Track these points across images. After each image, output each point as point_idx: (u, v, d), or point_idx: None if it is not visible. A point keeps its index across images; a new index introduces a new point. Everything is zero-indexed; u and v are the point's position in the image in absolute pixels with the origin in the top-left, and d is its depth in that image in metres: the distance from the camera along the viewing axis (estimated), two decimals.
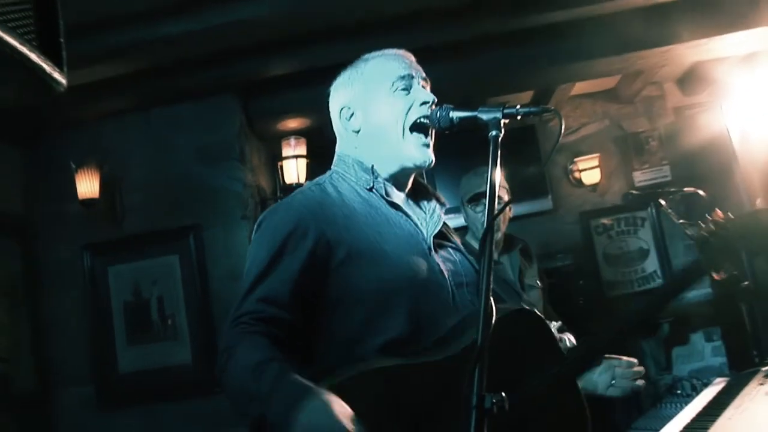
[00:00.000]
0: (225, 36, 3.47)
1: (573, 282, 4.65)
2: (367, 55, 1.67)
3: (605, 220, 5.01)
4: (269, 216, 1.55)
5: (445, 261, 1.56)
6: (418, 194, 1.68)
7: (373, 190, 1.57)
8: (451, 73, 3.90)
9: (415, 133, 1.56)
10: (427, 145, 1.57)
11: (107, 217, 4.15)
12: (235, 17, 3.36)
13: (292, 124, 4.50)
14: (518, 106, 1.37)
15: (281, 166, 4.53)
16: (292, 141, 4.45)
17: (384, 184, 1.58)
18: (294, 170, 4.42)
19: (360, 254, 1.46)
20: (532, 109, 1.39)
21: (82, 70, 3.54)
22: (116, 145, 4.23)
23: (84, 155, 4.03)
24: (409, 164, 1.58)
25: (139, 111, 4.21)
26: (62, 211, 4.16)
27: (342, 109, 1.63)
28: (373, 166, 1.58)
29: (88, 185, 3.96)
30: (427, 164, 1.59)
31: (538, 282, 3.06)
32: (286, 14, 3.38)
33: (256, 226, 1.55)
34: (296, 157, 4.43)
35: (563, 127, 1.36)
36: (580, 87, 4.90)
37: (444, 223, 1.65)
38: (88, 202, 4.00)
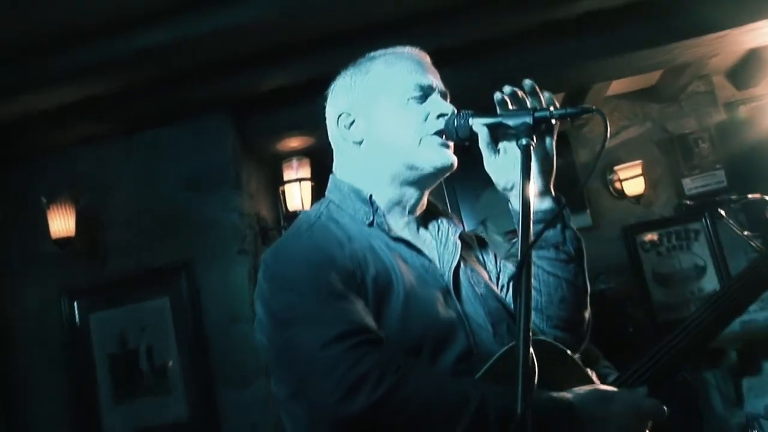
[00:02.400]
0: (211, 46, 3.34)
1: (619, 307, 4.58)
2: (374, 53, 1.53)
3: (653, 235, 4.96)
4: (284, 253, 1.38)
5: (467, 300, 1.42)
6: (427, 216, 1.56)
7: (374, 225, 1.44)
8: (466, 77, 3.77)
9: (431, 136, 1.44)
10: (447, 146, 1.45)
11: (86, 257, 4.03)
12: (222, 24, 3.21)
13: (294, 143, 4.40)
14: (551, 108, 1.29)
15: (283, 192, 4.45)
16: (294, 162, 4.38)
17: (385, 217, 1.45)
18: (297, 195, 4.34)
19: (375, 302, 1.32)
20: (569, 110, 1.28)
21: (51, 91, 3.46)
22: (93, 175, 4.11)
23: (57, 188, 3.92)
24: (428, 168, 1.44)
25: (117, 135, 4.10)
26: (33, 252, 4.03)
27: (340, 115, 1.50)
28: (371, 197, 1.45)
29: (62, 222, 3.85)
30: (449, 166, 1.45)
31: None
32: (281, 18, 3.24)
33: (266, 273, 1.36)
34: (299, 180, 4.35)
35: (609, 128, 1.25)
36: (616, 86, 4.81)
37: (464, 244, 1.53)
38: (63, 242, 3.87)
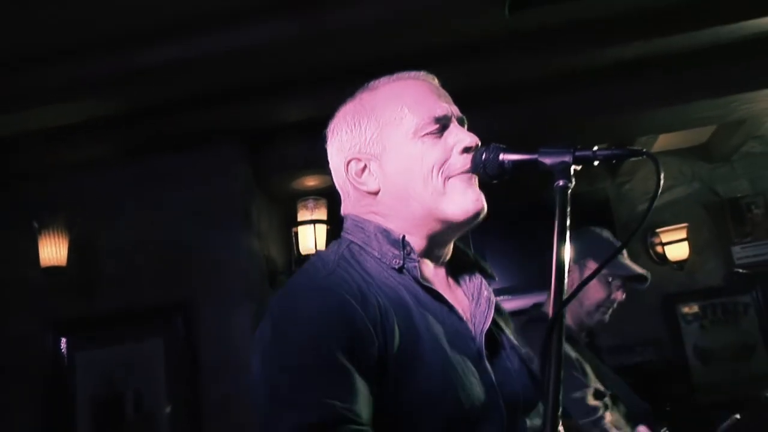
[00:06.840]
0: (226, 68, 3.26)
1: (656, 383, 4.49)
2: (375, 82, 1.39)
3: (696, 306, 4.80)
4: (292, 308, 1.23)
5: (498, 370, 1.29)
6: (455, 265, 1.41)
7: (404, 271, 1.29)
8: (496, 123, 3.61)
9: (457, 178, 1.31)
10: (476, 187, 1.32)
11: (77, 289, 3.90)
12: (239, 44, 3.09)
13: (311, 182, 4.29)
14: (596, 148, 1.17)
15: (296, 233, 4.30)
16: (310, 203, 4.25)
17: (418, 262, 1.30)
18: (311, 238, 4.20)
19: (398, 365, 1.20)
20: (615, 152, 1.17)
21: (50, 109, 3.37)
22: (90, 202, 3.99)
23: (50, 213, 3.81)
24: (459, 216, 1.30)
25: (119, 161, 4.00)
26: (20, 280, 3.90)
27: (349, 162, 1.36)
28: (404, 238, 1.30)
29: (53, 250, 3.74)
30: (480, 211, 1.31)
31: None
32: (302, 41, 3.10)
33: (268, 326, 1.23)
34: (314, 222, 4.21)
35: (662, 178, 1.11)
36: (663, 141, 4.66)
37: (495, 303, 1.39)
38: (53, 271, 3.75)
